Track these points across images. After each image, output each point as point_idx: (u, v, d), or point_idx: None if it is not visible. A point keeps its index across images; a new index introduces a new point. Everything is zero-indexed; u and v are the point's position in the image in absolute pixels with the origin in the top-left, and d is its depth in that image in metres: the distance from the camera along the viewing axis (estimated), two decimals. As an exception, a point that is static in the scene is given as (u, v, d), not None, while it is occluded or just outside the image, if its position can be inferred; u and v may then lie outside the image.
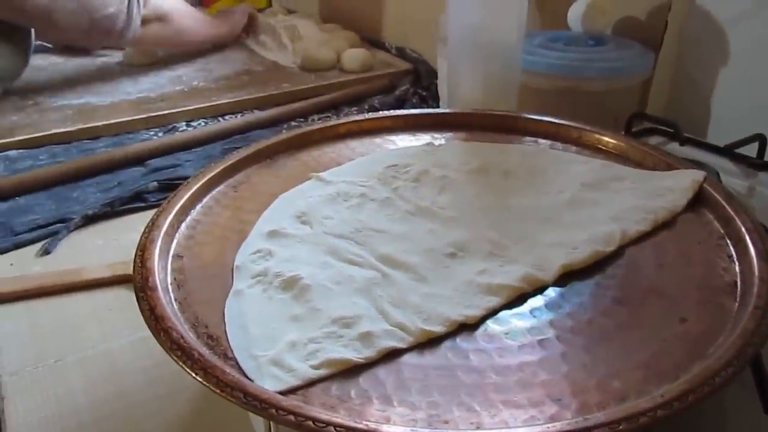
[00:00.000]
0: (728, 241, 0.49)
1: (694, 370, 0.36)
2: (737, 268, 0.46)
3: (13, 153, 0.93)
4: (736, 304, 0.42)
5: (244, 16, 1.45)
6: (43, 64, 1.30)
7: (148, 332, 0.40)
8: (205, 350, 0.38)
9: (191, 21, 1.26)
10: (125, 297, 0.63)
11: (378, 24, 1.44)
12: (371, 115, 0.72)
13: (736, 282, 0.44)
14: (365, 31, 1.44)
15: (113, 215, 0.78)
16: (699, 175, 0.54)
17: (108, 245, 0.73)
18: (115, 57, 1.34)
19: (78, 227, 0.75)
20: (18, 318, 0.61)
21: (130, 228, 0.75)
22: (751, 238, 0.46)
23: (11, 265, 0.69)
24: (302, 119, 1.07)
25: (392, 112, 0.73)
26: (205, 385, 0.36)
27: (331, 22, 1.50)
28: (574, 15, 0.88)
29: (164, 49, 1.30)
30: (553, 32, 0.92)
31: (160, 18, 1.16)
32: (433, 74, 1.14)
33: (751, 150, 0.71)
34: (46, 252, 0.71)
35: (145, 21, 1.13)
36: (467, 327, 0.42)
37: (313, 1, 1.64)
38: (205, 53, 1.36)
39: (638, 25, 0.89)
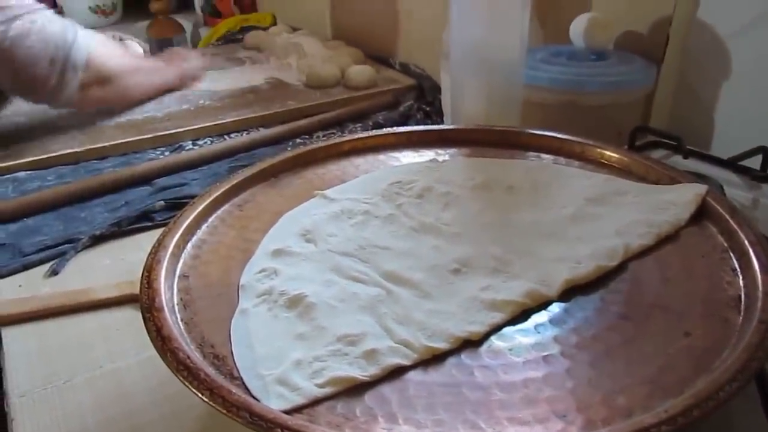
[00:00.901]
0: (732, 255, 0.49)
1: (699, 384, 0.36)
2: (741, 282, 0.46)
3: (21, 174, 0.93)
4: (741, 317, 0.42)
5: (184, 63, 1.30)
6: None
7: (154, 352, 0.40)
8: (211, 370, 0.39)
9: (138, 77, 1.17)
10: (132, 316, 0.63)
11: (382, 40, 1.45)
12: (375, 132, 0.73)
13: (740, 296, 0.44)
14: (369, 47, 1.44)
15: (120, 235, 0.78)
16: (701, 188, 0.55)
17: (115, 265, 0.73)
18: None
19: (85, 247, 0.76)
20: (26, 339, 0.61)
21: (137, 247, 0.76)
22: (754, 252, 0.46)
23: (20, 286, 0.70)
24: (307, 136, 1.07)
25: (395, 129, 0.73)
26: (211, 405, 0.36)
27: (336, 39, 1.51)
28: (576, 30, 0.88)
29: (109, 106, 1.18)
30: (556, 47, 0.93)
31: (104, 81, 1.08)
32: (438, 90, 1.14)
33: (754, 162, 0.72)
34: (54, 272, 0.71)
35: (86, 85, 1.05)
36: (472, 343, 0.42)
37: (317, 18, 1.66)
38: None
39: (640, 39, 0.90)
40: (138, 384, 0.56)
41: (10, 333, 0.62)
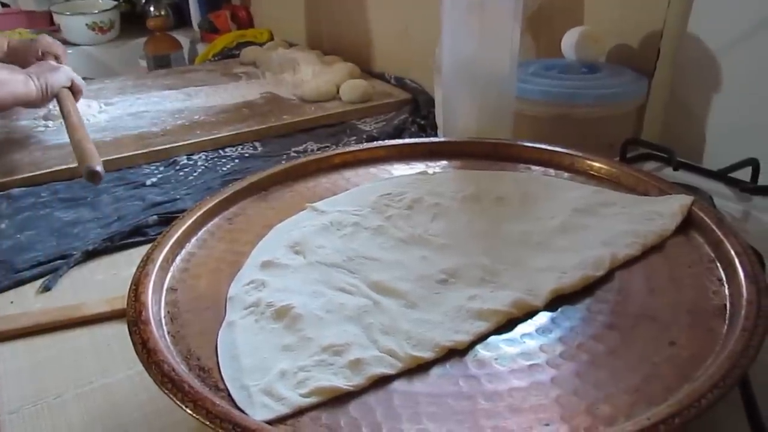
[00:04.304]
0: (718, 265, 0.49)
1: (682, 392, 0.36)
2: (726, 291, 0.46)
3: (15, 191, 0.93)
4: (725, 326, 0.43)
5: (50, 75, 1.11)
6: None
7: (145, 366, 0.40)
8: (196, 382, 0.39)
9: None
10: (123, 331, 0.63)
11: (377, 55, 1.46)
12: (366, 145, 0.73)
13: (725, 305, 0.45)
14: (364, 62, 1.45)
15: (113, 250, 0.79)
16: (687, 199, 0.55)
17: (108, 280, 0.73)
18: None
19: (78, 263, 0.76)
20: (17, 355, 0.61)
21: (131, 262, 0.76)
22: (740, 261, 0.47)
23: (12, 302, 0.70)
24: (301, 149, 1.07)
25: (386, 143, 0.74)
26: (194, 417, 0.36)
27: (331, 54, 1.51)
28: (568, 43, 0.89)
29: None
30: (548, 60, 0.93)
31: None
32: (432, 103, 1.15)
33: (744, 174, 0.72)
34: (46, 288, 0.71)
35: None
36: (457, 353, 0.43)
37: (313, 34, 1.67)
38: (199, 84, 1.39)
39: (631, 52, 0.90)
40: (129, 399, 0.56)
41: (1, 350, 0.62)
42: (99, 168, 0.80)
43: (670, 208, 0.55)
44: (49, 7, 2.16)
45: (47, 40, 1.26)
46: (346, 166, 0.70)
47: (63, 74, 1.12)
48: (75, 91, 1.14)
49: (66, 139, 1.09)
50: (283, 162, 0.98)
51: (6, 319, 0.65)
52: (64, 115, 1.04)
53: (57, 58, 1.24)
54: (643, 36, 0.89)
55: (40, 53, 1.23)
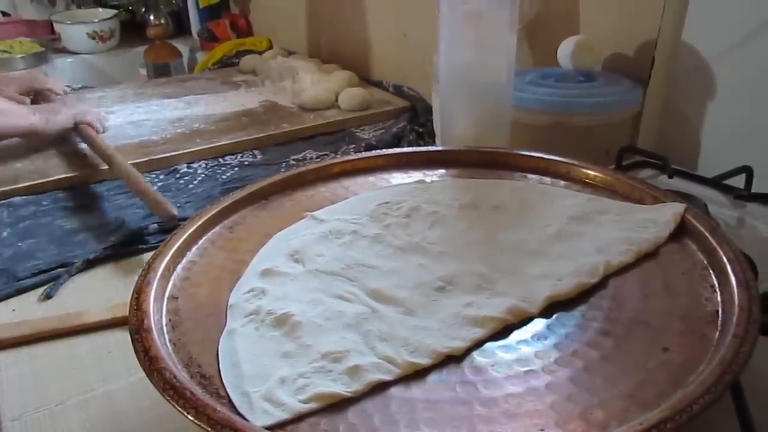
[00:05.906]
0: (711, 272, 0.50)
1: (674, 398, 0.37)
2: (719, 298, 0.47)
3: (17, 200, 0.94)
4: (718, 332, 0.43)
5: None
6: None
7: (146, 373, 0.41)
8: (197, 389, 0.39)
9: None
10: (125, 339, 0.63)
11: (376, 63, 1.46)
12: (364, 154, 0.74)
13: (717, 311, 0.45)
14: (363, 70, 1.46)
15: (114, 258, 0.79)
16: (680, 207, 0.56)
17: (109, 287, 0.74)
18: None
19: (80, 271, 0.76)
20: (19, 363, 0.62)
21: (131, 270, 0.76)
22: (732, 268, 0.47)
23: (13, 310, 0.70)
24: (301, 158, 1.08)
25: (385, 151, 0.74)
26: (196, 423, 0.37)
27: (330, 63, 1.52)
28: (564, 53, 0.90)
29: None
30: (544, 69, 0.94)
31: None
32: (430, 111, 1.16)
33: (738, 181, 0.73)
34: (47, 296, 0.72)
35: None
36: (454, 359, 0.43)
37: (312, 42, 1.67)
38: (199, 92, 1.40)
39: (626, 61, 0.91)
40: (130, 405, 0.56)
41: (3, 357, 0.63)
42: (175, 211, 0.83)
43: (664, 216, 0.55)
44: (50, 16, 2.16)
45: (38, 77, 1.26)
46: (345, 174, 0.70)
47: (64, 115, 1.11)
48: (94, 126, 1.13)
49: (68, 147, 1.10)
50: (283, 170, 1.00)
51: (7, 326, 0.66)
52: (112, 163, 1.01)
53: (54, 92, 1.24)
54: (639, 44, 0.89)
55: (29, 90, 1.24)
